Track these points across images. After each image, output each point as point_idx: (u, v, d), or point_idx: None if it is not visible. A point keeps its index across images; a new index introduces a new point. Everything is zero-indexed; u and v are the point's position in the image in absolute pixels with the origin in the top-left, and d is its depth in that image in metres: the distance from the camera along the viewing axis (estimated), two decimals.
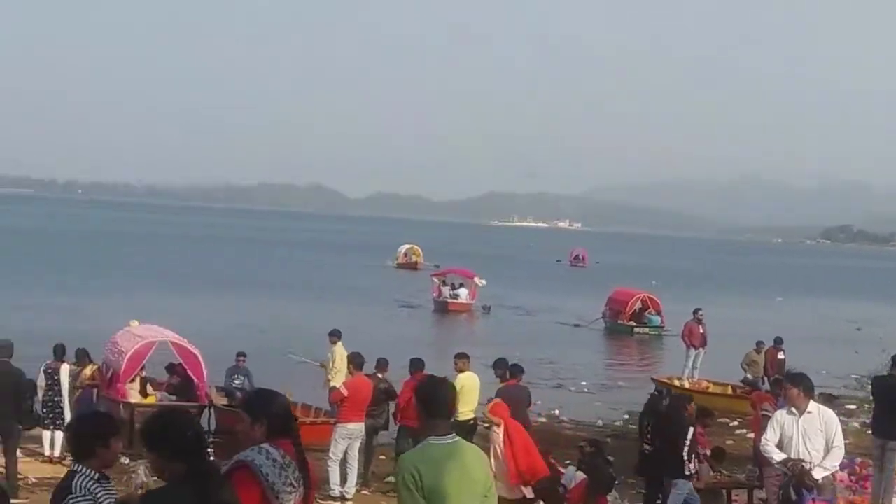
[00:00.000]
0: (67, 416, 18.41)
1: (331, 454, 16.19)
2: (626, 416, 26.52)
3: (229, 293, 55.87)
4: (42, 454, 18.46)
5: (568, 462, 16.17)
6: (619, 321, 48.45)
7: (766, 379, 26.82)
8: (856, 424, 23.53)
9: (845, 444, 12.00)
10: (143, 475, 14.49)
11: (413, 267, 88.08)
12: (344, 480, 16.49)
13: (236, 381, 22.66)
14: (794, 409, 11.28)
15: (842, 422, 13.26)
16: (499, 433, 14.06)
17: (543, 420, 24.57)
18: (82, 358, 19.73)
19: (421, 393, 6.39)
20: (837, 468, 12.07)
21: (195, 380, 20.63)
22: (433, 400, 6.29)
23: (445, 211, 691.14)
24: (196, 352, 20.75)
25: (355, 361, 17.15)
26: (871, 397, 17.35)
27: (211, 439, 16.61)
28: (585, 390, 31.79)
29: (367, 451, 17.82)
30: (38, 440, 18.63)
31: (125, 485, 14.19)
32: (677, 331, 35.70)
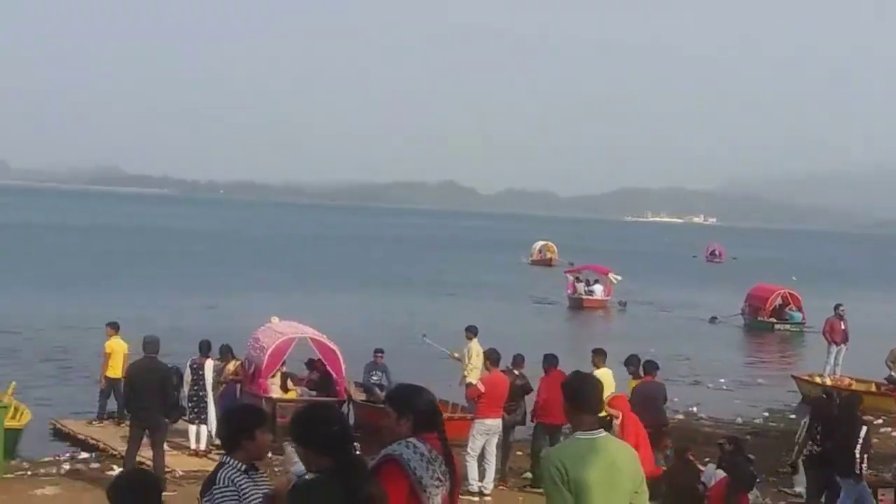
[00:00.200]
0: (211, 411, 18.91)
1: (468, 450, 16.27)
2: (766, 414, 26.07)
3: (366, 290, 56.51)
4: (188, 448, 18.95)
5: (707, 460, 15.95)
6: (758, 317, 47.62)
7: None
8: None
9: None
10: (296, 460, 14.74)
11: (548, 263, 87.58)
12: (482, 476, 16.57)
13: (374, 377, 22.95)
14: None
15: None
16: (616, 425, 14.03)
17: (681, 417, 24.33)
18: (226, 354, 20.21)
19: (568, 388, 6.36)
20: None
21: (334, 375, 20.97)
22: (580, 395, 6.28)
23: (575, 207, 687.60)
24: (335, 348, 21.09)
25: (491, 357, 17.22)
26: None
27: None
28: (724, 387, 31.29)
29: (504, 447, 17.82)
30: (184, 434, 19.13)
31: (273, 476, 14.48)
32: (818, 327, 34.85)
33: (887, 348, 28.41)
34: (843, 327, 31.08)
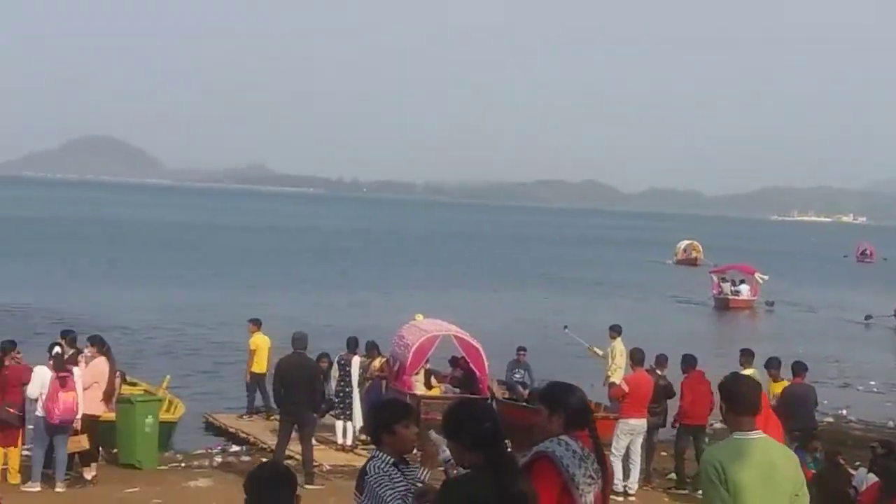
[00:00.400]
0: (357, 407, 19.21)
1: (613, 449, 16.19)
2: None
3: (510, 288, 56.74)
4: (335, 443, 19.29)
5: (858, 463, 15.61)
6: None
7: None
8: None
9: None
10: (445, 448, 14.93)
11: (693, 263, 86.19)
12: (626, 475, 16.51)
13: (517, 375, 23.00)
14: None
15: None
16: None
17: (830, 420, 23.83)
18: (371, 350, 20.48)
19: (725, 390, 6.33)
20: None
21: (477, 373, 21.04)
22: (738, 396, 6.23)
23: (720, 206, 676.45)
24: (478, 345, 21.15)
25: (636, 357, 17.13)
26: None
27: None
28: (875, 390, 30.52)
29: (648, 448, 17.69)
30: (332, 429, 19.48)
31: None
32: None
33: None
34: None
